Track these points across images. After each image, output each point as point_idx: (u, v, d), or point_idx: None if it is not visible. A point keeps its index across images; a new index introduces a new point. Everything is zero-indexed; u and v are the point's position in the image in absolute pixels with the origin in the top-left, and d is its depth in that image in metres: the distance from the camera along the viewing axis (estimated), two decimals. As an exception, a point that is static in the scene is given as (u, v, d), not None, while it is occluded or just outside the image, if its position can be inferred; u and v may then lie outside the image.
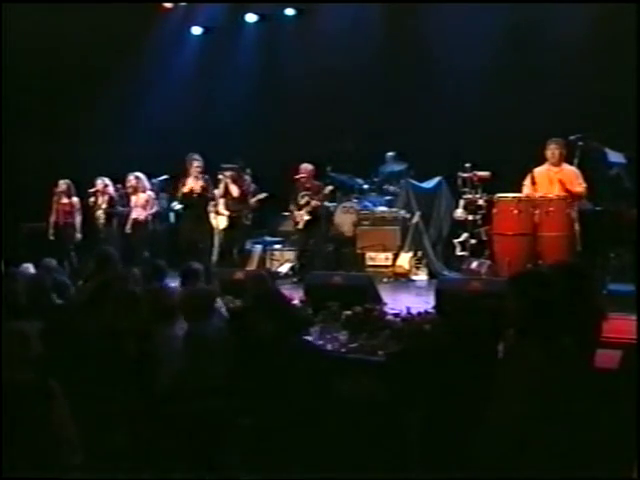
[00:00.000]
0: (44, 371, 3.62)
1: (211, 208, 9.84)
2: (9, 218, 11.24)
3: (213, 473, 3.99)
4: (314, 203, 9.09)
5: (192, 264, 6.00)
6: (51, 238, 10.13)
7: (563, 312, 3.44)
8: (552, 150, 7.22)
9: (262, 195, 9.46)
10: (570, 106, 8.71)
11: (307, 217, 9.13)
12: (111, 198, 9.95)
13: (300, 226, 9.24)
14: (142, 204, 9.71)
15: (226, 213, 9.34)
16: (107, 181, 10.03)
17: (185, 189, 8.98)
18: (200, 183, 8.93)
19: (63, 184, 10.24)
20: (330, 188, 9.25)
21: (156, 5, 12.67)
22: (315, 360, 4.15)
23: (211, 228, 9.30)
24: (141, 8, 11.99)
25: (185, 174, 9.06)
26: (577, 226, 6.84)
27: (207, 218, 9.13)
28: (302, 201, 9.17)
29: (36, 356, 3.62)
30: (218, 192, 9.40)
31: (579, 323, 3.68)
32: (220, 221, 9.53)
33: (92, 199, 9.97)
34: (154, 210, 9.82)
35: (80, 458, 3.48)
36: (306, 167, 9.25)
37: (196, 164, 8.93)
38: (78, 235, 10.16)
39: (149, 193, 9.80)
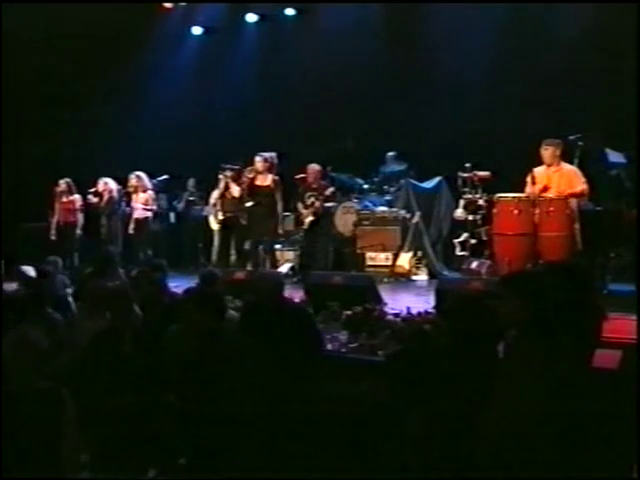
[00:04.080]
0: (56, 379, 3.63)
1: (211, 208, 9.87)
2: (9, 218, 11.25)
3: (215, 473, 3.99)
4: (317, 204, 9.12)
5: (211, 269, 6.02)
6: (52, 238, 10.14)
7: (563, 312, 3.44)
8: (542, 152, 7.22)
9: (249, 203, 9.32)
10: (570, 106, 8.71)
11: (311, 217, 9.16)
12: (112, 198, 9.96)
13: (305, 226, 9.28)
14: (142, 203, 9.74)
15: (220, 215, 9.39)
16: (108, 181, 10.04)
17: (255, 183, 8.77)
18: (270, 178, 8.76)
19: (63, 183, 10.26)
20: (332, 190, 9.25)
21: (156, 5, 12.68)
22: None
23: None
24: (141, 8, 12.00)
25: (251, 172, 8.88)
26: (577, 225, 6.84)
27: (276, 215, 8.89)
28: (308, 201, 9.20)
29: (46, 364, 3.60)
30: (217, 192, 9.41)
31: (579, 323, 3.68)
32: (216, 221, 9.57)
33: (93, 199, 9.98)
34: (154, 209, 9.85)
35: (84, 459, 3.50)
36: (313, 167, 9.27)
37: (258, 159, 8.78)
38: (78, 232, 10.18)
39: (149, 193, 9.84)
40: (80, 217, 10.22)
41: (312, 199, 9.16)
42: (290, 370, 4.21)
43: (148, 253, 9.52)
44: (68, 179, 10.30)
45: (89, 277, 6.51)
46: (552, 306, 3.37)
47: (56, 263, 7.41)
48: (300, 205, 9.33)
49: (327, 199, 9.16)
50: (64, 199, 10.24)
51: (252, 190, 8.80)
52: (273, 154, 8.87)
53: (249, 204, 8.90)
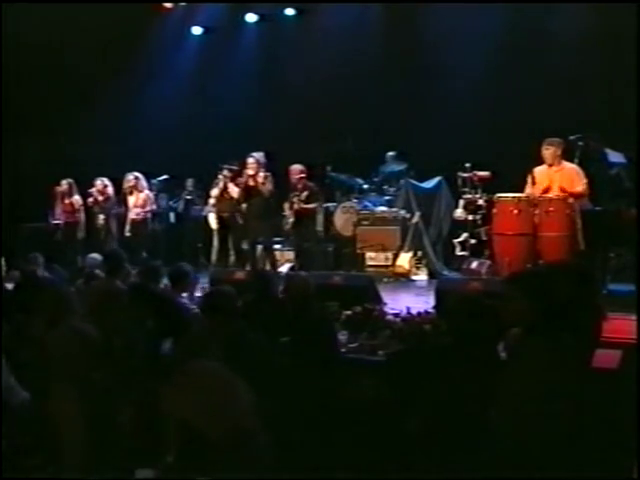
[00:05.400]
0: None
1: (211, 208, 9.86)
2: (9, 218, 11.24)
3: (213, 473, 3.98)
4: (295, 206, 9.06)
5: (182, 265, 6.02)
6: (59, 239, 10.14)
7: (564, 311, 3.44)
8: (544, 151, 7.22)
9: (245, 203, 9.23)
10: (570, 106, 8.71)
11: (291, 219, 9.13)
12: (110, 198, 9.95)
13: (290, 227, 9.25)
14: (140, 204, 9.75)
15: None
16: (106, 181, 10.03)
17: (249, 184, 8.80)
18: (260, 177, 8.75)
19: (65, 184, 10.25)
20: (306, 194, 9.03)
21: (156, 5, 12.68)
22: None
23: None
24: (141, 8, 12.00)
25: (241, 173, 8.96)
26: (579, 225, 6.83)
27: (272, 214, 8.95)
28: (293, 201, 9.18)
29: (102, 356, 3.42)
30: (217, 191, 9.39)
31: (579, 323, 3.68)
32: (215, 221, 9.56)
33: (91, 199, 9.98)
34: (152, 209, 9.85)
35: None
36: (295, 168, 9.12)
37: (250, 160, 8.78)
38: (81, 233, 10.17)
39: (147, 192, 9.83)
40: (82, 217, 10.23)
41: (295, 200, 9.11)
42: (309, 370, 4.21)
43: (144, 255, 9.45)
44: (70, 179, 10.29)
45: (90, 277, 6.50)
46: (558, 306, 3.37)
47: (36, 259, 7.44)
48: (287, 206, 9.30)
49: (301, 201, 9.00)
50: (65, 200, 10.23)
51: (248, 190, 8.82)
52: (261, 154, 8.87)
53: (244, 204, 8.92)
